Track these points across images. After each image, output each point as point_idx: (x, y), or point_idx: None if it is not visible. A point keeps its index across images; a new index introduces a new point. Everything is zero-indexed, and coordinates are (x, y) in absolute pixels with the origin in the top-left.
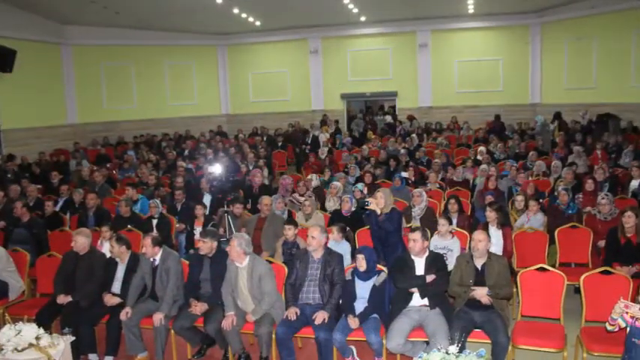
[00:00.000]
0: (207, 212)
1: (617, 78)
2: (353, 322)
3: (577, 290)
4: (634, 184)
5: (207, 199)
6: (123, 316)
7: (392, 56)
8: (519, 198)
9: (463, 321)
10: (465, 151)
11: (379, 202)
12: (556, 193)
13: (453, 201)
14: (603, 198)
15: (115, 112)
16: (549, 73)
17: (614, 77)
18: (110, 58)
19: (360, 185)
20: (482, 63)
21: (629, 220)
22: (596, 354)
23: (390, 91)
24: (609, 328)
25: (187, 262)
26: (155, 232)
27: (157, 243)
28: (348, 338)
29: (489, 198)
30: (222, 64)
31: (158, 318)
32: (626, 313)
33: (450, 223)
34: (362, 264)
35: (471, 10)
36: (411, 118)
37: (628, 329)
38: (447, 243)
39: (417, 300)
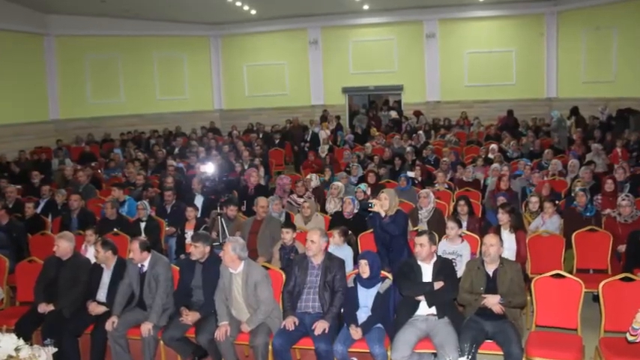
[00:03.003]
0: (199, 214)
1: (638, 70)
2: (355, 333)
3: (595, 298)
4: None
5: (199, 200)
6: (109, 326)
7: (397, 47)
8: (534, 199)
9: (473, 331)
10: (475, 149)
11: (383, 204)
12: (573, 194)
13: (462, 202)
14: (624, 199)
15: (101, 108)
16: (566, 65)
17: (635, 70)
18: (95, 50)
19: (362, 186)
20: (493, 55)
21: None
22: None
23: (395, 84)
24: (630, 338)
25: (178, 268)
26: (143, 236)
27: (145, 247)
28: (350, 350)
29: (502, 199)
30: (216, 55)
31: (146, 328)
32: None
33: (460, 226)
34: (365, 270)
35: None
36: (417, 114)
37: None
38: (456, 247)
39: (424, 309)
